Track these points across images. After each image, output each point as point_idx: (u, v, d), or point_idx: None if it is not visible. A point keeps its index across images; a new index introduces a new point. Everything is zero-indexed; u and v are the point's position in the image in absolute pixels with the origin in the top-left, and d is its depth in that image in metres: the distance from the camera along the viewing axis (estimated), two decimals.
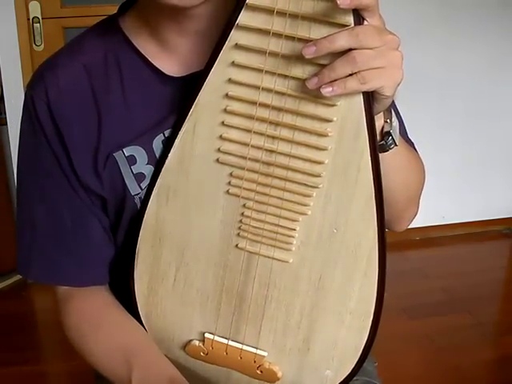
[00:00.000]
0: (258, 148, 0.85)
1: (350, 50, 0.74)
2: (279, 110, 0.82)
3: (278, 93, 0.81)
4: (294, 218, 0.87)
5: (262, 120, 0.83)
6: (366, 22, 0.75)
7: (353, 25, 0.74)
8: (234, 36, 0.80)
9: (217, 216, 0.91)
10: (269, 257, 0.90)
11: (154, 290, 0.98)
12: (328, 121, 0.81)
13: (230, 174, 0.87)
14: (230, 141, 0.86)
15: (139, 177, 0.93)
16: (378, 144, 0.86)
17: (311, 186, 0.85)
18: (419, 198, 1.04)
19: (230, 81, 0.83)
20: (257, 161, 0.85)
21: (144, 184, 0.94)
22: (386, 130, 0.88)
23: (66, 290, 1.03)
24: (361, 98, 0.79)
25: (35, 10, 2.66)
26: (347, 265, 0.89)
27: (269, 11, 0.77)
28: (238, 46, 0.81)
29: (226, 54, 0.82)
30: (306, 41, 0.76)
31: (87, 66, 0.92)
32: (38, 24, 2.68)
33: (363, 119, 0.80)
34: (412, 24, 2.93)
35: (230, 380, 1.03)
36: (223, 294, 0.95)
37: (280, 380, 0.99)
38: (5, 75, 2.68)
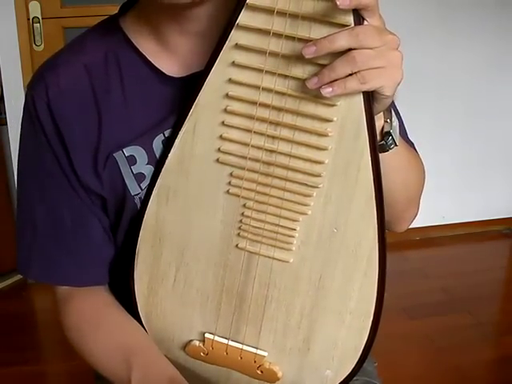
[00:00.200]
0: (258, 148, 0.85)
1: (350, 49, 0.74)
2: (279, 109, 0.82)
3: (278, 93, 0.81)
4: (294, 217, 0.87)
5: (262, 120, 0.83)
6: (365, 22, 0.75)
7: (353, 25, 0.74)
8: (235, 36, 0.80)
9: (217, 216, 0.91)
10: (269, 257, 0.90)
11: (153, 290, 0.98)
12: (328, 121, 0.81)
13: (230, 174, 0.87)
14: (230, 141, 0.86)
15: (139, 177, 0.93)
16: (378, 144, 0.86)
17: (311, 186, 0.85)
18: (419, 199, 1.04)
19: (231, 81, 0.83)
20: (257, 161, 0.85)
21: (144, 184, 0.94)
22: (386, 129, 0.88)
23: (66, 290, 1.03)
24: (361, 97, 0.79)
25: (35, 9, 2.66)
26: (347, 265, 0.89)
27: (269, 11, 0.77)
28: (238, 46, 0.81)
29: (227, 53, 0.82)
30: (306, 41, 0.76)
31: (88, 65, 0.92)
32: (38, 24, 2.68)
33: (363, 119, 0.80)
34: (411, 24, 2.93)
35: (230, 380, 1.03)
36: (223, 294, 0.95)
37: (280, 380, 0.99)
38: (5, 75, 2.68)
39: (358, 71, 0.74)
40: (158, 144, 0.92)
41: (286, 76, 0.80)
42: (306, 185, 0.85)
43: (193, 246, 0.93)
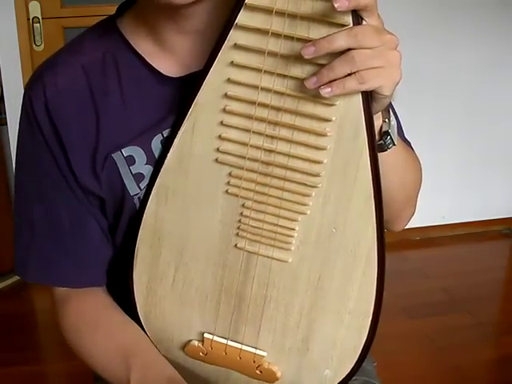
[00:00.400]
0: (257, 148, 0.85)
1: (349, 49, 0.74)
2: (278, 109, 0.82)
3: (276, 92, 0.81)
4: (293, 217, 0.87)
5: (261, 120, 0.83)
6: (364, 22, 0.75)
7: (351, 25, 0.74)
8: (233, 36, 0.80)
9: (216, 216, 0.91)
10: (268, 256, 0.90)
11: (152, 290, 0.98)
12: (327, 120, 0.81)
13: (229, 174, 0.87)
14: (229, 140, 0.86)
15: (138, 177, 0.93)
16: (377, 144, 0.86)
17: (310, 186, 0.85)
18: (417, 198, 1.04)
19: (229, 80, 0.83)
20: (256, 160, 0.85)
21: (143, 184, 0.93)
22: (384, 129, 0.88)
23: (64, 291, 1.03)
24: (359, 97, 0.79)
25: (35, 10, 2.66)
26: (346, 264, 0.89)
27: (268, 11, 0.77)
28: (236, 46, 0.81)
29: (225, 53, 0.82)
30: (305, 41, 0.76)
31: (85, 66, 0.92)
32: (38, 24, 2.68)
33: (362, 119, 0.80)
34: (411, 24, 2.93)
35: (229, 380, 1.02)
36: (222, 293, 0.95)
37: (279, 380, 0.98)
38: (5, 75, 2.68)
39: (357, 71, 0.74)
40: (156, 144, 0.92)
41: (284, 76, 0.80)
42: (305, 184, 0.85)
43: (192, 246, 0.93)
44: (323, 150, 0.83)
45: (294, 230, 0.88)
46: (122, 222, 0.98)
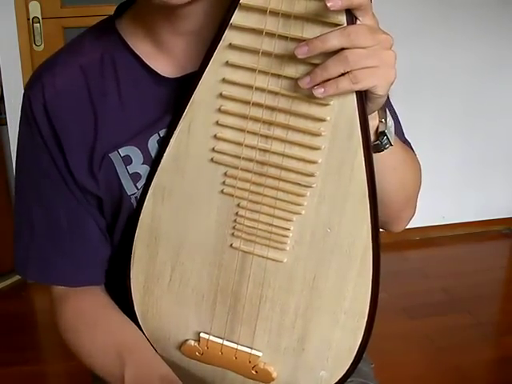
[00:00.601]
0: (252, 147, 0.85)
1: (344, 49, 0.74)
2: (273, 109, 0.82)
3: (271, 92, 0.81)
4: (287, 217, 0.87)
5: (256, 120, 0.83)
6: (358, 22, 0.75)
7: (346, 24, 0.74)
8: (228, 36, 0.81)
9: (211, 215, 0.91)
10: (263, 256, 0.90)
11: (149, 290, 0.98)
12: (321, 120, 0.81)
13: (225, 174, 0.87)
14: (225, 140, 0.86)
15: (135, 177, 0.94)
16: (373, 144, 0.86)
17: (305, 186, 0.85)
18: (416, 199, 1.03)
19: (224, 80, 0.83)
20: (251, 160, 0.85)
21: (140, 184, 0.94)
22: (380, 129, 0.87)
23: (62, 290, 1.03)
24: (354, 97, 0.78)
25: (35, 10, 2.67)
26: (341, 264, 0.89)
27: (262, 11, 0.77)
28: (231, 46, 0.81)
29: (220, 53, 0.82)
30: (299, 40, 0.76)
31: (84, 67, 0.93)
32: (38, 24, 2.68)
33: (356, 118, 0.80)
34: (411, 23, 2.93)
35: (225, 380, 1.02)
36: (218, 293, 0.95)
37: (275, 380, 0.98)
38: (5, 75, 2.68)
39: (351, 71, 0.74)
40: (153, 144, 0.92)
41: (279, 76, 0.80)
42: (300, 184, 0.85)
43: (188, 246, 0.94)
44: (318, 150, 0.82)
45: (288, 229, 0.88)
46: (120, 221, 0.98)
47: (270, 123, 0.83)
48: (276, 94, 0.81)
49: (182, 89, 0.88)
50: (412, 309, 2.79)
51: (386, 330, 2.45)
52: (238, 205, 0.88)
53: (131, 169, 0.93)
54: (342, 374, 0.96)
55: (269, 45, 0.78)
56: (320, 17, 0.75)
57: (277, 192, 0.86)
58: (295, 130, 0.82)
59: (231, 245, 0.91)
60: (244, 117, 0.83)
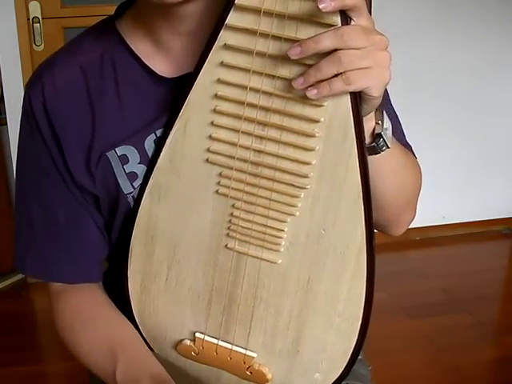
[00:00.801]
0: (247, 148, 0.84)
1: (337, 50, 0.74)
2: (267, 110, 0.82)
3: (265, 93, 0.81)
4: (282, 218, 0.87)
5: (250, 120, 0.83)
6: (353, 22, 0.74)
7: (340, 25, 0.74)
8: (223, 36, 0.81)
9: (207, 216, 0.91)
10: (257, 257, 0.90)
11: (146, 289, 0.98)
12: (315, 121, 0.80)
13: (220, 174, 0.87)
14: (219, 141, 0.86)
15: (131, 176, 0.94)
16: (370, 146, 0.86)
17: (299, 187, 0.85)
18: (416, 203, 1.02)
19: (219, 81, 0.83)
20: (245, 161, 0.85)
21: (137, 183, 0.94)
22: (377, 131, 0.87)
23: (60, 287, 1.04)
24: (348, 98, 0.78)
25: (35, 10, 2.67)
26: (335, 267, 0.88)
27: (256, 11, 0.77)
28: (226, 47, 0.81)
29: (215, 54, 0.82)
30: (293, 41, 0.75)
31: (83, 66, 0.93)
32: (38, 24, 2.69)
33: (351, 119, 0.79)
34: (411, 23, 2.93)
35: (220, 380, 1.02)
36: (213, 293, 0.95)
37: (269, 382, 0.98)
38: (5, 75, 2.69)
39: (344, 72, 0.74)
40: (149, 143, 0.92)
41: (273, 76, 0.79)
42: (294, 186, 0.85)
43: (184, 245, 0.94)
44: (312, 151, 0.82)
45: (283, 231, 0.88)
46: (117, 219, 0.99)
47: (265, 124, 0.82)
48: (270, 94, 0.80)
49: (180, 88, 0.88)
50: (412, 309, 2.78)
51: (385, 330, 2.45)
52: (233, 205, 0.88)
53: (128, 168, 0.93)
54: (337, 377, 0.96)
55: (263, 45, 0.78)
56: (314, 17, 0.74)
57: (271, 193, 0.86)
58: (289, 130, 0.82)
59: (226, 245, 0.91)
60: (238, 117, 0.83)
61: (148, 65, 0.92)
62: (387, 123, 0.88)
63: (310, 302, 0.91)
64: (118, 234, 1.01)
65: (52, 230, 0.99)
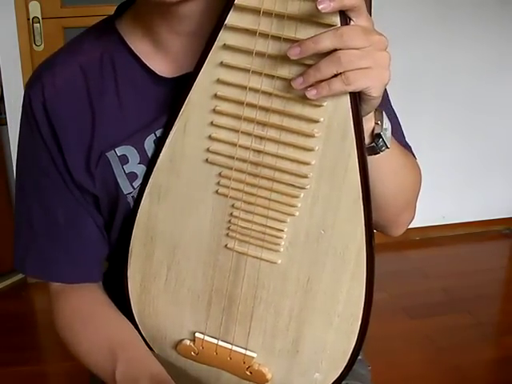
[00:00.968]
0: (246, 148, 0.84)
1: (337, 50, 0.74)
2: (266, 110, 0.82)
3: (264, 93, 0.81)
4: (281, 218, 0.87)
5: (250, 120, 0.83)
6: (352, 23, 0.74)
7: (339, 25, 0.74)
8: (223, 36, 0.81)
9: (206, 216, 0.91)
10: (257, 257, 0.90)
11: (146, 289, 0.98)
12: (315, 121, 0.80)
13: (219, 174, 0.87)
14: (219, 141, 0.86)
15: (131, 176, 0.94)
16: (369, 146, 0.86)
17: (298, 187, 0.85)
18: (415, 203, 1.02)
19: (219, 81, 0.83)
20: (244, 161, 0.85)
21: (136, 183, 0.94)
22: (376, 131, 0.87)
23: (60, 287, 1.04)
24: (347, 98, 0.78)
25: (35, 10, 2.67)
26: (335, 267, 0.88)
27: (256, 11, 0.77)
28: (226, 47, 0.81)
29: (215, 54, 0.82)
30: (293, 41, 0.75)
31: (83, 66, 0.93)
32: (38, 24, 2.69)
33: (350, 120, 0.79)
34: (411, 23, 2.93)
35: (220, 380, 1.02)
36: (213, 293, 0.95)
37: (269, 382, 0.98)
38: (5, 75, 2.69)
39: (343, 72, 0.74)
40: (149, 144, 0.92)
41: (272, 76, 0.79)
42: (293, 186, 0.85)
43: (183, 245, 0.94)
44: (311, 151, 0.82)
45: (282, 231, 0.88)
46: (117, 219, 0.99)
47: (264, 124, 0.82)
48: (270, 94, 0.80)
49: (180, 88, 0.88)
50: (412, 309, 2.78)
51: (386, 330, 2.45)
52: (233, 205, 0.88)
53: (127, 168, 0.93)
54: (336, 377, 0.96)
55: (263, 45, 0.78)
56: (313, 17, 0.74)
57: (270, 193, 0.86)
58: (289, 130, 0.82)
59: (226, 245, 0.91)
60: (238, 117, 0.83)
61: (148, 65, 0.92)
62: (387, 123, 0.88)
63: (310, 302, 0.91)
64: (117, 234, 1.01)
65: (52, 230, 1.00)
